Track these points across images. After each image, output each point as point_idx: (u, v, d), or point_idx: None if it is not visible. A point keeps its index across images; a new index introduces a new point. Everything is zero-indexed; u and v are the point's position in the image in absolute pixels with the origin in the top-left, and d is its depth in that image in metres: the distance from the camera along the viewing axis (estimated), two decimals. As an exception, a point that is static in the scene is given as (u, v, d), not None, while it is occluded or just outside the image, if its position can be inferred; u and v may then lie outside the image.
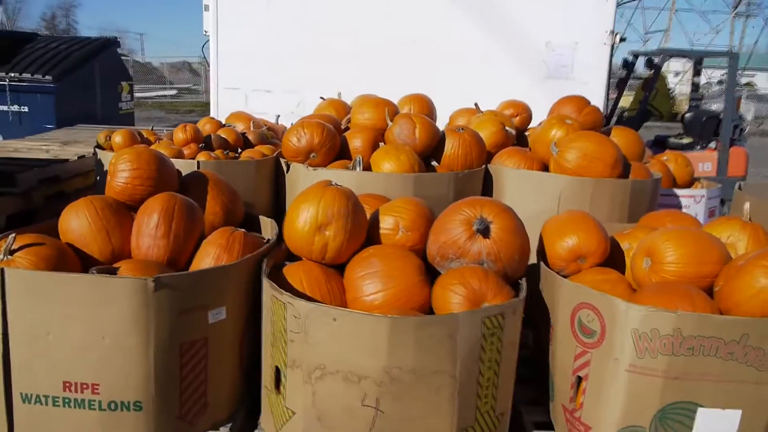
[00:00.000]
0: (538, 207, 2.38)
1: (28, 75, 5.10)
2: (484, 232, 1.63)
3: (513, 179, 2.46)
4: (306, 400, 1.51)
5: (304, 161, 2.38)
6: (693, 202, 3.17)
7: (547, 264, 1.78)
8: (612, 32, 3.91)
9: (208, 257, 1.73)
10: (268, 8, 4.11)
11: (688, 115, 5.64)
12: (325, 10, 4.16)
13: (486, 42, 4.00)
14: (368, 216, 1.83)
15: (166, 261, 1.72)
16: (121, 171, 1.87)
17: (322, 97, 3.43)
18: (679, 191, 3.18)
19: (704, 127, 5.37)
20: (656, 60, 5.57)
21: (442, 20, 4.04)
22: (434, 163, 2.52)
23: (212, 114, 4.21)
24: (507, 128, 2.84)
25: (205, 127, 2.69)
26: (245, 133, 2.73)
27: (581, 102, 2.72)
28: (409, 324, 1.40)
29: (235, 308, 1.69)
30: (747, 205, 1.82)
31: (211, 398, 1.68)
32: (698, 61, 6.21)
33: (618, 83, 6.09)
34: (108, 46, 6.13)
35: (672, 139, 5.64)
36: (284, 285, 1.66)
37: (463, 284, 1.56)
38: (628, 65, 6.03)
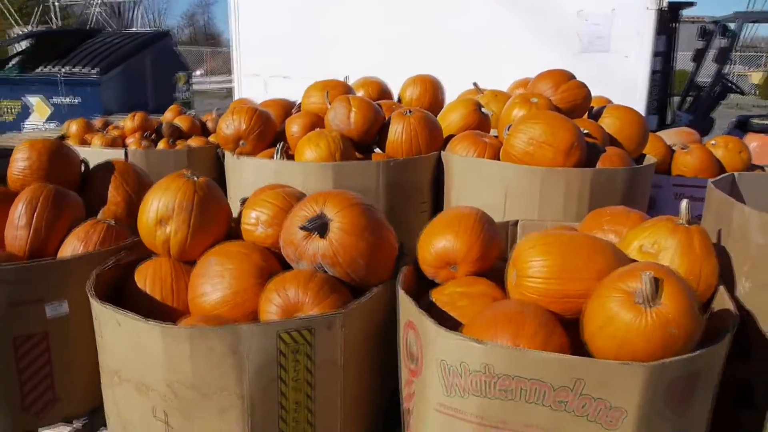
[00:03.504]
0: (485, 201, 2.06)
1: (79, 69, 5.57)
2: (320, 231, 1.40)
3: (461, 168, 2.16)
4: (112, 407, 1.43)
5: (234, 149, 2.27)
6: (733, 195, 2.57)
7: (418, 270, 1.51)
8: (658, -6, 3.31)
9: (67, 249, 1.69)
10: (286, -7, 4.04)
11: (780, 90, 4.61)
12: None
13: (508, 15, 3.59)
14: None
15: (28, 252, 1.70)
16: (16, 162, 1.89)
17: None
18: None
19: (798, 105, 4.33)
20: (732, 26, 4.61)
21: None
22: (377, 150, 2.29)
23: (235, 101, 4.26)
24: (483, 110, 2.50)
25: (167, 115, 2.68)
26: (207, 120, 2.68)
27: (561, 77, 2.30)
28: (183, 335, 1.24)
29: (85, 303, 1.63)
30: (684, 203, 1.39)
31: (62, 393, 1.65)
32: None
33: (695, 56, 5.16)
34: (159, 38, 6.50)
35: (755, 121, 4.66)
36: (131, 282, 1.58)
37: (278, 292, 1.36)
38: (705, 34, 5.07)
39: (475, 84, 2.99)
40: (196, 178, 1.61)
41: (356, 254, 1.40)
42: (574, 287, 1.20)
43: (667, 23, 4.00)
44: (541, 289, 1.22)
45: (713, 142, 2.97)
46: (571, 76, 2.33)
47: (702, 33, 5.14)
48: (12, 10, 18.12)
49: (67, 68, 5.56)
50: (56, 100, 5.57)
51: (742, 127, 4.71)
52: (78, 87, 5.55)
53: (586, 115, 2.37)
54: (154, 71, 6.28)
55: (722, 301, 1.33)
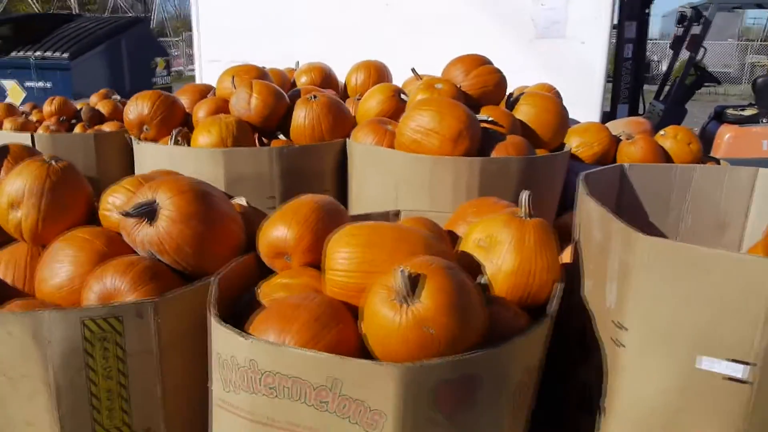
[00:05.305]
0: (380, 190, 2.02)
1: (50, 54, 5.65)
2: (148, 217, 1.38)
3: (360, 156, 2.11)
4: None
5: (139, 134, 2.25)
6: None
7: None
8: (616, -24, 3.17)
9: (-64, 232, 1.71)
10: (246, -23, 3.99)
11: (759, 80, 4.36)
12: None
13: (461, 1, 3.48)
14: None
15: None
16: None
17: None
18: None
19: (776, 95, 4.11)
20: (705, 13, 4.36)
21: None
22: (281, 137, 2.25)
23: (197, 87, 4.24)
24: (402, 96, 2.43)
25: (92, 99, 2.68)
26: (133, 105, 2.67)
27: (473, 62, 2.22)
28: (-18, 320, 1.23)
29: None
30: (524, 195, 1.32)
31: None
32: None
33: (673, 43, 4.93)
34: (135, 23, 6.52)
35: (730, 111, 4.42)
36: (-13, 265, 1.58)
37: (97, 279, 1.34)
38: (684, 21, 4.81)
39: (413, 70, 2.92)
40: (54, 163, 1.60)
41: (182, 242, 1.38)
42: (371, 281, 1.15)
43: (640, 9, 3.83)
44: (341, 283, 1.18)
45: (662, 132, 2.84)
46: (485, 62, 2.25)
47: (680, 19, 4.89)
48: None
49: (39, 53, 5.66)
50: (29, 84, 5.68)
51: (719, 117, 4.50)
52: (48, 71, 5.64)
53: (503, 102, 2.29)
54: (130, 56, 6.32)
55: (554, 301, 1.27)
